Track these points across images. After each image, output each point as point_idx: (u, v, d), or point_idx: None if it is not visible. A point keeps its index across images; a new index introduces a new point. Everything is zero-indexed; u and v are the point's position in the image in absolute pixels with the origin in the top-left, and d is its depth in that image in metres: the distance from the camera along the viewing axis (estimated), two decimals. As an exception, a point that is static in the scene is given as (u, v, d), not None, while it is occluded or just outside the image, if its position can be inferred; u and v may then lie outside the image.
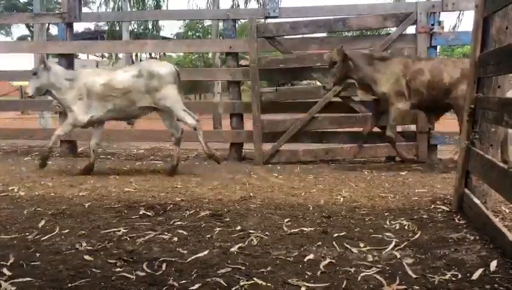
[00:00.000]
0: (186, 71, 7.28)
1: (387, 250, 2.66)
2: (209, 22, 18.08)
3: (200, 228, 3.13)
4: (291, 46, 6.01)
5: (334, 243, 2.78)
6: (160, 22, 18.55)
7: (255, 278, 2.27)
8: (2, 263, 2.48)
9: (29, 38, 24.29)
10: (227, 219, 3.33)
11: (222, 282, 2.23)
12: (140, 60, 17.58)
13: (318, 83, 6.62)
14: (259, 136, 5.85)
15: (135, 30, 17.55)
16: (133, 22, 15.25)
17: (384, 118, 5.28)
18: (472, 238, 2.82)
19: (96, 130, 5.20)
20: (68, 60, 6.67)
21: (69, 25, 6.78)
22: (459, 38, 5.90)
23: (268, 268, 2.41)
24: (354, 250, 2.67)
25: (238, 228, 3.12)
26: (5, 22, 12.18)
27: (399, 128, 5.94)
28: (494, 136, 3.26)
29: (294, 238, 2.91)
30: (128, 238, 2.91)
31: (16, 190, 4.28)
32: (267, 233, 3.00)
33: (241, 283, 2.22)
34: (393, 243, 2.75)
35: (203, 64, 20.47)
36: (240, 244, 2.77)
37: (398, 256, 2.56)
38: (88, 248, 2.74)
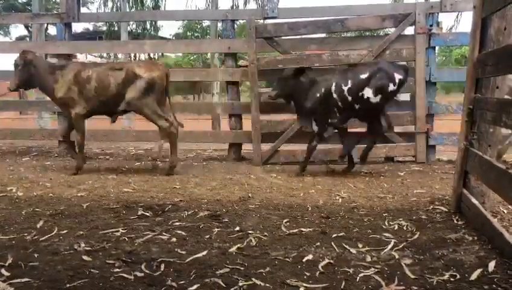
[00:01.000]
0: (185, 71, 7.27)
1: (385, 250, 2.66)
2: (208, 22, 18.08)
3: (198, 229, 3.13)
4: (290, 47, 6.00)
5: (332, 243, 2.79)
6: (159, 22, 18.56)
7: (253, 279, 2.27)
8: (0, 263, 2.48)
9: (28, 39, 24.20)
10: (226, 220, 3.33)
11: (221, 282, 2.23)
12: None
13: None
14: (258, 136, 5.85)
15: (133, 30, 17.50)
16: (131, 23, 15.20)
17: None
18: (470, 238, 2.83)
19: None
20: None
21: (68, 25, 6.80)
22: (458, 39, 5.91)
23: (267, 268, 2.41)
24: (353, 250, 2.67)
25: (237, 228, 3.12)
26: (3, 22, 12.13)
27: (399, 129, 5.94)
28: (492, 136, 3.27)
29: (293, 238, 2.91)
30: (127, 239, 2.91)
31: (14, 191, 4.28)
32: (265, 233, 3.00)
33: (240, 284, 2.22)
34: (391, 244, 2.76)
35: (202, 64, 20.45)
36: (238, 245, 2.77)
37: (397, 256, 2.57)
38: (86, 248, 2.74)
